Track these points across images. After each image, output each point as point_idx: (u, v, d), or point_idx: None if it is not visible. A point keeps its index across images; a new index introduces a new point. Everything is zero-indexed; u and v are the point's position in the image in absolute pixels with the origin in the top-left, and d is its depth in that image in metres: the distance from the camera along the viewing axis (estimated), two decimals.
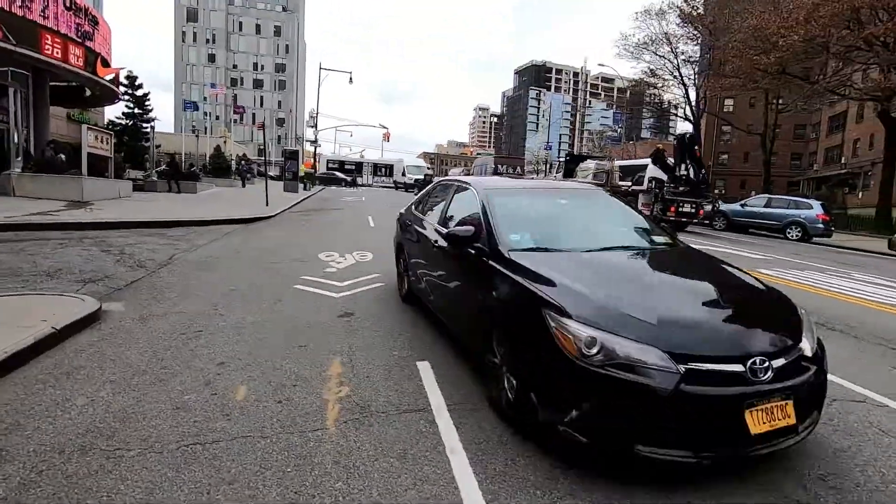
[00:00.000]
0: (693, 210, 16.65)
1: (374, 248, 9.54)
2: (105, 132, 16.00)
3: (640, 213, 4.69)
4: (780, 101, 32.45)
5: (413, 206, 5.99)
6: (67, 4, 17.21)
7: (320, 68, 38.45)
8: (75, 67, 17.18)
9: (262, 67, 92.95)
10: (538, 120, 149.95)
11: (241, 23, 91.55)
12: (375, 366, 3.77)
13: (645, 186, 17.28)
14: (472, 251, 3.61)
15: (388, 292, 6.15)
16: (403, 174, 45.92)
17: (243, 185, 32.48)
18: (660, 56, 35.40)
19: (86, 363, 3.64)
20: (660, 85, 38.22)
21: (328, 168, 49.19)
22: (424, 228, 5.03)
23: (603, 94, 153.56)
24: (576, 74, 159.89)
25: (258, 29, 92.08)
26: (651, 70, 37.93)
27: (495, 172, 26.72)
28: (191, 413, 2.94)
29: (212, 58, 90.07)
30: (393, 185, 48.17)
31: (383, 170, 53.16)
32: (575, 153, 29.46)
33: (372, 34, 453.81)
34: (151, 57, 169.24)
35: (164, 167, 23.68)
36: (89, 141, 14.50)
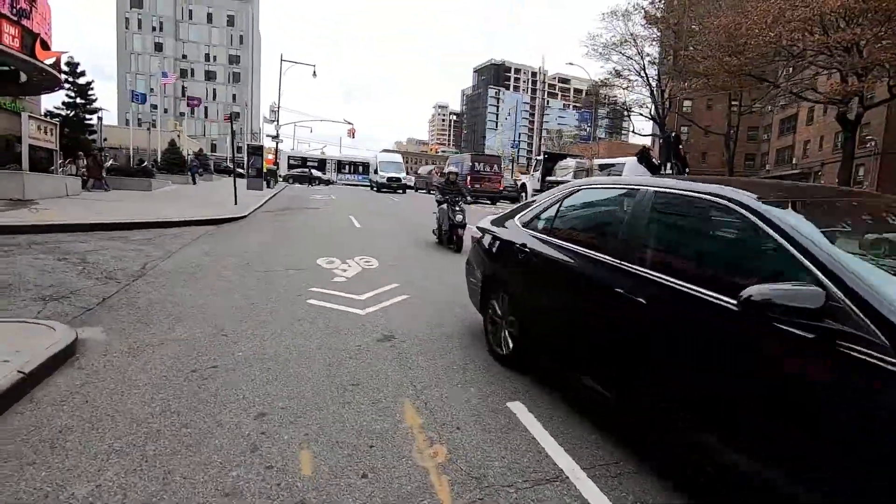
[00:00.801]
0: None
1: (374, 253, 8.68)
2: (49, 122, 14.21)
3: None
4: (742, 103, 33.58)
5: (519, 222, 3.92)
6: None
7: (282, 60, 36.65)
8: (10, 48, 15.18)
9: (215, 59, 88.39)
10: (497, 119, 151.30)
11: (190, 11, 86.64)
12: (459, 410, 3.02)
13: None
14: (809, 334, 1.78)
15: (420, 307, 5.37)
16: (376, 171, 36.74)
17: (193, 182, 30.31)
18: (627, 57, 35.85)
19: (74, 422, 2.70)
20: (625, 86, 38.73)
21: (290, 164, 47.05)
22: (580, 267, 3.02)
23: (560, 94, 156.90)
24: (534, 74, 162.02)
25: (210, 18, 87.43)
26: (617, 71, 38.40)
27: (472, 170, 26.00)
28: (250, 502, 2.10)
29: (159, 47, 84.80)
30: (369, 185, 40.72)
31: (349, 167, 51.46)
32: (553, 151, 29.32)
33: (342, 30, 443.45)
34: (89, 43, 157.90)
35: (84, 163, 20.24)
36: (31, 132, 12.76)
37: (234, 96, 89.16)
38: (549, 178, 23.28)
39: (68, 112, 30.73)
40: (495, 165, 26.44)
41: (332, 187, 40.14)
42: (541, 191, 24.40)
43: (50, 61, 17.75)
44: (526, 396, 3.23)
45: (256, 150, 26.79)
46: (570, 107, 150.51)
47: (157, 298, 5.23)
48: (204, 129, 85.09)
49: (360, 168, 52.62)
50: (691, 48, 28.51)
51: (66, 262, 6.63)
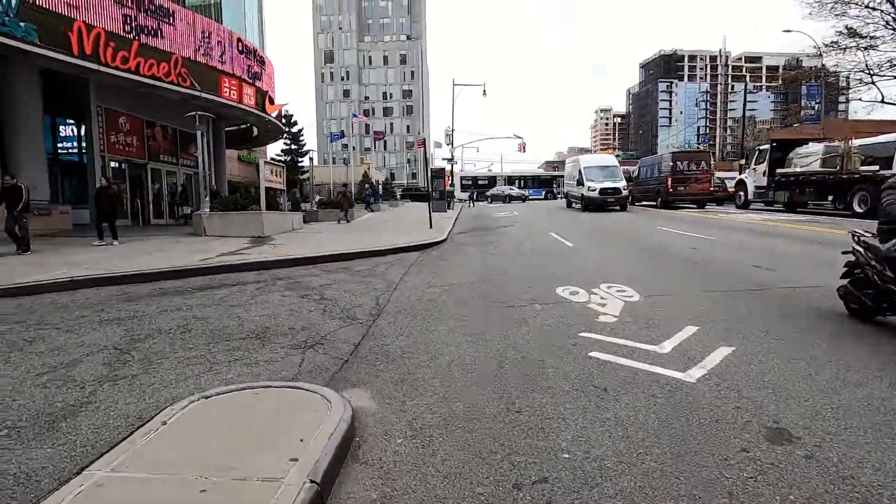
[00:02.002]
0: None
1: (619, 279, 7.11)
2: (277, 165, 16.20)
3: None
4: None
5: None
6: (240, 48, 17.94)
7: (454, 84, 37.90)
8: (247, 106, 17.78)
9: (391, 96, 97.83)
10: (671, 114, 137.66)
11: (370, 57, 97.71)
12: None
13: None
14: None
15: (784, 372, 3.63)
16: (580, 182, 24.31)
17: (369, 210, 32.09)
18: (871, 8, 28.08)
19: None
20: (865, 45, 30.47)
21: (462, 185, 48.60)
22: None
23: (748, 75, 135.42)
24: (713, 59, 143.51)
25: (385, 60, 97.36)
26: (851, 29, 30.47)
27: (674, 171, 22.31)
28: None
29: (346, 93, 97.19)
30: (568, 202, 28.34)
31: (518, 182, 51.03)
32: (782, 138, 24.14)
33: (488, 45, 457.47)
34: (291, 97, 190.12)
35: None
36: (266, 176, 14.47)
37: (407, 127, 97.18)
38: (781, 171, 18.79)
39: (286, 157, 36.08)
40: (703, 163, 22.45)
41: (509, 204, 39.79)
42: (768, 188, 19.85)
43: (275, 114, 20.46)
44: None
45: (438, 174, 27.60)
46: (763, 88, 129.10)
47: (407, 346, 4.49)
48: (384, 160, 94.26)
49: (530, 182, 51.96)
50: None
51: (308, 300, 6.53)
